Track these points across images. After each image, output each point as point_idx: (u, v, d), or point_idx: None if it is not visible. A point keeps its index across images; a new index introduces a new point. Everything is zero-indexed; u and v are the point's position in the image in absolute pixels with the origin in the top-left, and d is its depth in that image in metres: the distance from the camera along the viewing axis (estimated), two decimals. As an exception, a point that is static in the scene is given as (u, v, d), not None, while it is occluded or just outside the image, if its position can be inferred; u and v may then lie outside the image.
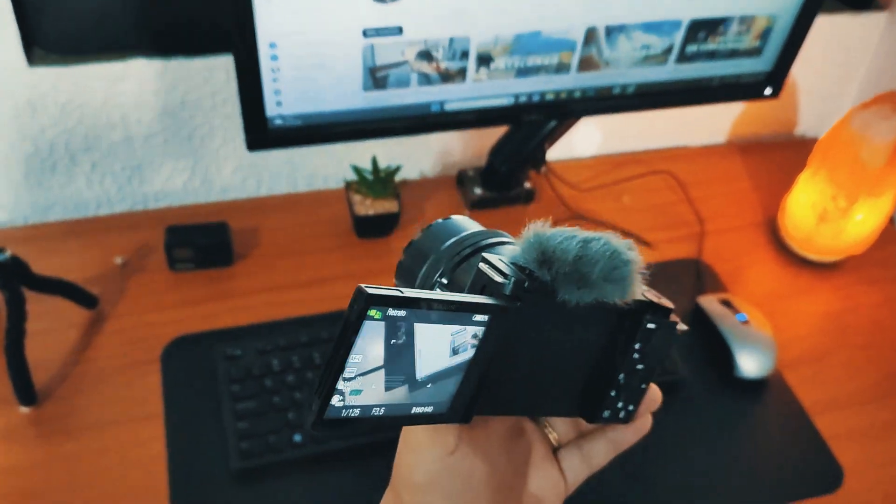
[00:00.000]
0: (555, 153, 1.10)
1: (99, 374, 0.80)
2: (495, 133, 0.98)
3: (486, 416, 0.38)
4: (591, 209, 1.04)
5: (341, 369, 0.30)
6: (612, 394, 0.40)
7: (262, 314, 0.87)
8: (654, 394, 0.43)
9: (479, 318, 0.33)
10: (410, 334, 0.31)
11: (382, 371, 0.31)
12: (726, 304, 0.90)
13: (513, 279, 0.33)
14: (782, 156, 1.15)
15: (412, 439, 0.37)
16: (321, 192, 1.03)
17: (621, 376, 0.40)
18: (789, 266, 1.01)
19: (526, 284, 0.34)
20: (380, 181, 0.93)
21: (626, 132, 1.15)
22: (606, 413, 0.40)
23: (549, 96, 0.76)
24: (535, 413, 0.41)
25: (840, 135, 0.91)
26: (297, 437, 0.75)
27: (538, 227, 0.35)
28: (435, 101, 0.73)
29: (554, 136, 0.96)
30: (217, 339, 0.83)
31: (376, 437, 0.76)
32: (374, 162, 0.92)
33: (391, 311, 0.30)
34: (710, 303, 0.90)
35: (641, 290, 0.39)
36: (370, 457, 0.75)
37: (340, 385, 0.30)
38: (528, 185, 1.02)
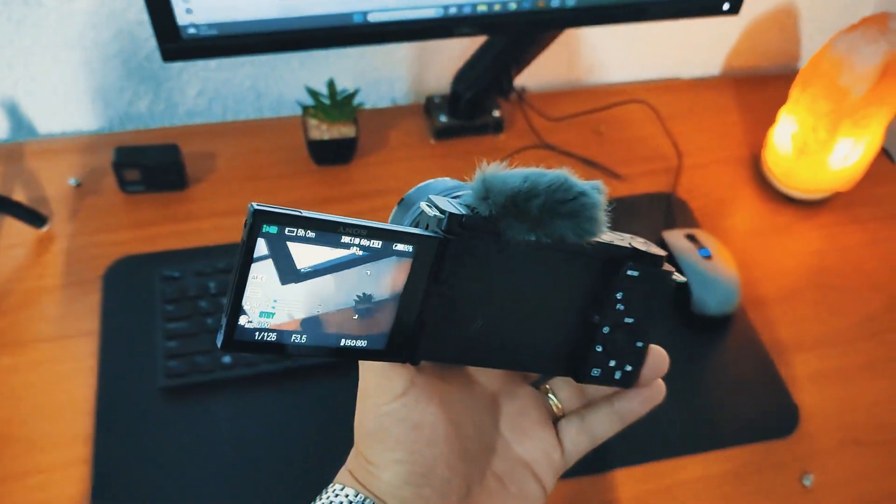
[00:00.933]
0: (534, 83, 1.06)
1: (41, 291, 0.80)
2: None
3: (451, 364, 0.37)
4: (563, 140, 0.99)
5: (243, 288, 0.29)
6: (599, 349, 0.38)
7: (211, 238, 0.86)
8: (659, 356, 0.39)
9: (401, 247, 0.32)
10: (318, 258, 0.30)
11: (293, 295, 0.30)
12: (691, 238, 0.85)
13: (448, 213, 0.32)
14: (778, 90, 1.08)
15: (364, 386, 0.36)
16: (285, 119, 1.00)
17: (605, 329, 0.37)
18: (770, 203, 0.96)
19: (463, 220, 0.32)
20: (336, 105, 0.90)
21: (613, 63, 1.10)
22: (595, 372, 0.38)
23: (482, 8, 0.71)
24: (511, 367, 0.39)
25: (822, 60, 0.85)
26: (227, 359, 0.74)
27: (490, 167, 0.33)
28: (357, 10, 0.69)
29: (520, 61, 0.92)
30: (160, 261, 0.82)
31: (306, 361, 0.75)
32: (331, 85, 0.89)
33: (290, 231, 0.29)
34: (674, 237, 0.86)
35: (613, 232, 0.37)
36: (300, 380, 0.75)
37: (246, 305, 0.30)
38: (496, 113, 0.98)
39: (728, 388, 0.79)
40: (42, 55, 0.91)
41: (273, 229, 0.29)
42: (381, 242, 0.31)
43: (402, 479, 0.35)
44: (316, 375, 0.75)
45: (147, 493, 0.67)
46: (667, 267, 0.38)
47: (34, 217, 0.84)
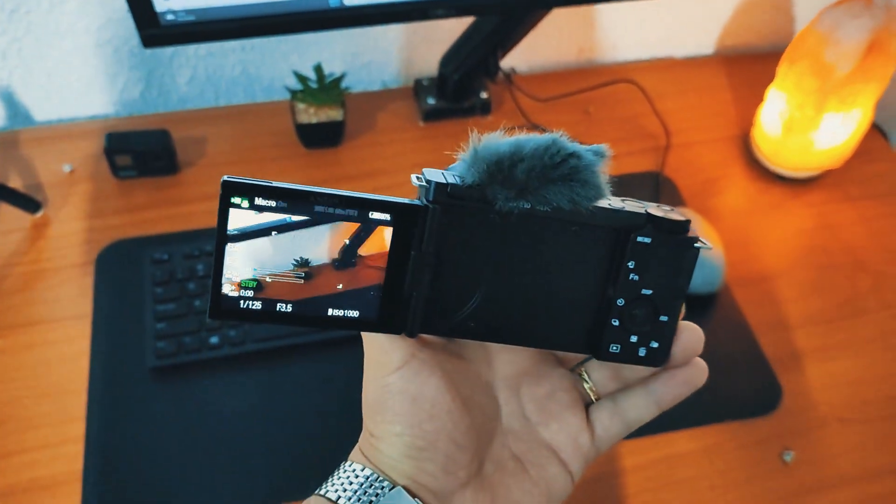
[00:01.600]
0: (523, 64, 1.06)
1: (35, 275, 0.82)
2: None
3: (453, 338, 0.36)
4: (551, 120, 1.00)
5: (222, 257, 0.31)
6: (615, 323, 0.35)
7: (201, 221, 0.87)
8: (692, 332, 0.36)
9: (378, 216, 0.32)
10: (294, 227, 0.31)
11: (270, 262, 0.31)
12: (677, 218, 0.85)
13: (433, 182, 0.32)
14: (770, 68, 1.08)
15: (366, 359, 0.36)
16: (275, 103, 1.01)
17: (620, 301, 0.35)
18: (758, 181, 0.96)
19: (449, 189, 0.32)
20: (324, 89, 0.91)
21: (604, 43, 1.10)
22: (615, 347, 0.36)
23: (457, -11, 0.72)
24: (524, 343, 0.37)
25: (808, 37, 0.85)
26: (214, 339, 0.76)
27: (483, 136, 0.32)
28: (333, -6, 0.70)
29: (507, 43, 0.92)
30: (151, 245, 0.84)
31: (292, 339, 0.76)
32: (318, 69, 0.90)
33: (260, 202, 0.31)
34: (660, 217, 0.86)
35: (630, 199, 0.36)
36: (287, 358, 0.76)
37: (227, 273, 0.31)
38: (484, 95, 0.98)
39: (712, 366, 0.79)
40: (36, 43, 0.93)
41: (245, 200, 0.30)
42: (356, 211, 0.32)
43: (401, 453, 0.34)
44: (302, 353, 0.77)
45: (138, 471, 0.69)
46: (692, 233, 0.35)
47: (28, 203, 0.86)
